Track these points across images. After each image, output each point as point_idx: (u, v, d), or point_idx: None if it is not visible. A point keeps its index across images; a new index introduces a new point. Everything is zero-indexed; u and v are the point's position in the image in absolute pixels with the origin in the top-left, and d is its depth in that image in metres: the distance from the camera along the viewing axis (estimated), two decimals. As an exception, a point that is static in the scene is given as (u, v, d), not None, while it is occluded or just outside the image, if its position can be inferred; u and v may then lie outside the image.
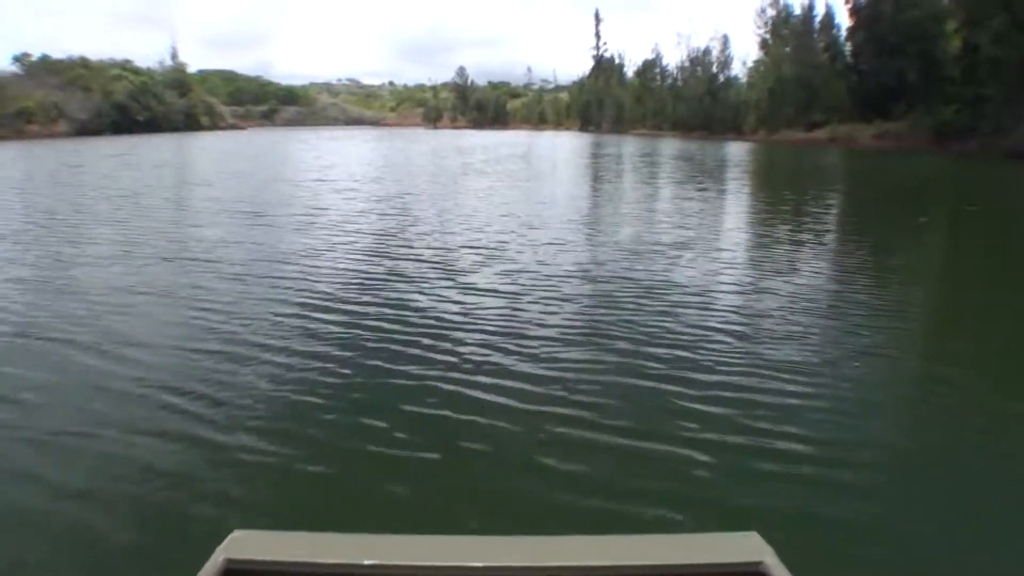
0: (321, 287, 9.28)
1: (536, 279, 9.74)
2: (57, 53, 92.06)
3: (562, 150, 52.78)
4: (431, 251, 11.72)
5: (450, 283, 9.51)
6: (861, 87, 62.90)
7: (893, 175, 32.37)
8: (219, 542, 1.40)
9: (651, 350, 6.62)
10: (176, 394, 5.58)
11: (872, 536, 3.75)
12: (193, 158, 41.80)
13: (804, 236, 14.03)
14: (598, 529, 1.70)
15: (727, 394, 5.53)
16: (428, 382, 5.83)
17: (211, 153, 46.83)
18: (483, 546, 1.44)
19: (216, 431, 4.95)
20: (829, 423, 5.09)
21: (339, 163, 35.71)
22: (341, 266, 10.70)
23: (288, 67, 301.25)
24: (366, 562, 1.35)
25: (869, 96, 61.34)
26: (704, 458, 4.51)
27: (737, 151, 51.91)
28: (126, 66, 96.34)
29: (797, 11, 73.06)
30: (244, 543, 1.41)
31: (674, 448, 4.66)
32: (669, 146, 58.18)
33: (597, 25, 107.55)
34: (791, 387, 5.69)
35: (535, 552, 1.41)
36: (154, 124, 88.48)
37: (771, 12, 75.16)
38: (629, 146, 56.84)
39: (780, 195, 21.74)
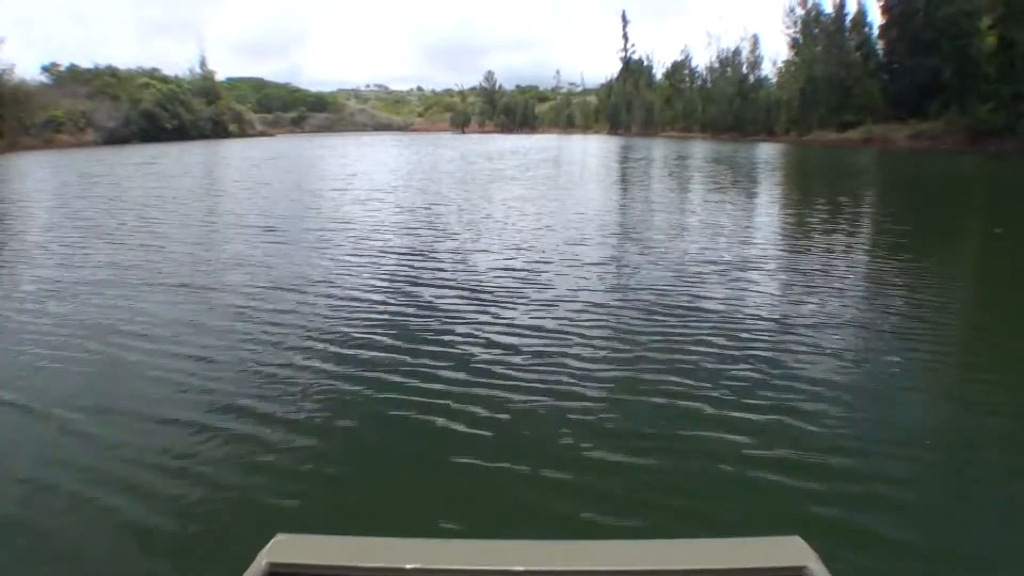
0: (340, 318, 8.45)
1: (580, 309, 8.70)
2: (86, 62, 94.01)
3: (593, 154, 52.14)
4: (461, 274, 10.80)
5: (483, 314, 8.54)
6: (894, 86, 61.98)
7: (941, 178, 31.53)
8: (262, 546, 1.43)
9: (715, 393, 6.00)
10: (214, 407, 5.79)
11: (915, 545, 3.83)
12: (217, 167, 41.15)
13: (876, 253, 12.76)
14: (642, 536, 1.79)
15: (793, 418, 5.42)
16: (462, 417, 5.59)
17: (236, 161, 46.20)
18: (522, 550, 1.45)
19: (256, 442, 5.13)
20: (879, 439, 5.11)
21: (365, 171, 34.98)
22: (362, 294, 9.69)
23: (317, 73, 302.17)
24: (408, 566, 1.36)
25: (903, 95, 60.40)
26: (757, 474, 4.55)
27: (772, 153, 51.18)
28: (154, 74, 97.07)
29: (827, 10, 72.37)
30: (287, 546, 1.44)
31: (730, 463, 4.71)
32: (701, 148, 57.72)
33: (624, 27, 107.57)
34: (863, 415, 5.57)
35: (575, 556, 1.43)
36: (182, 132, 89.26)
37: (800, 11, 74.56)
38: (661, 149, 56.38)
39: (832, 202, 20.80)
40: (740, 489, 4.37)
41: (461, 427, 5.29)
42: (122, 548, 3.89)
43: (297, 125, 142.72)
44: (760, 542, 1.48)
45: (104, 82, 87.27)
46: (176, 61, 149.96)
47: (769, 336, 7.55)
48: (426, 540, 1.48)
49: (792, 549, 1.40)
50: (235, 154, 55.91)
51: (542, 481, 4.48)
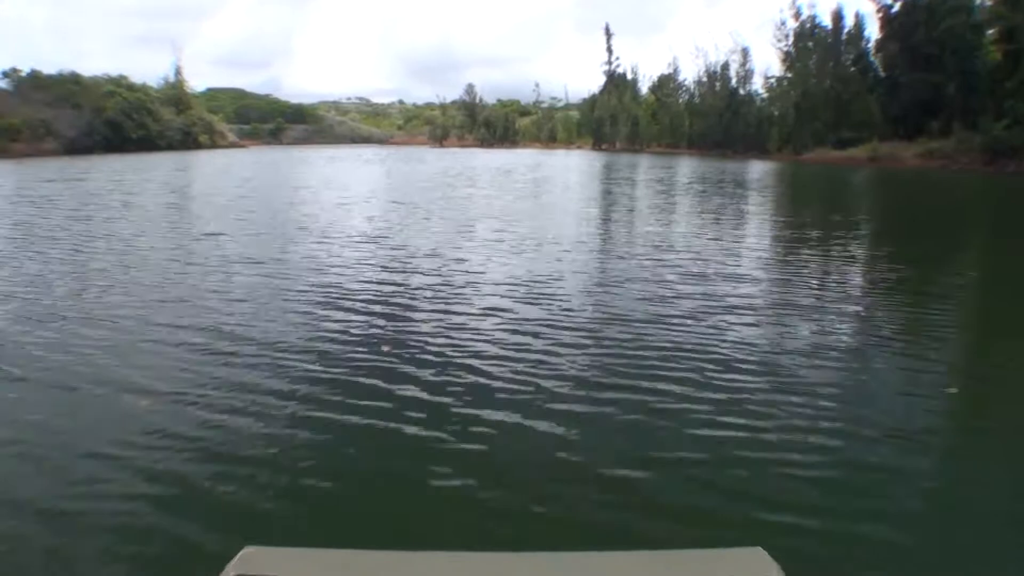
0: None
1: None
2: (49, 68, 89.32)
3: (587, 173, 45.59)
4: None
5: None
6: (894, 102, 59.76)
7: (980, 205, 28.37)
8: (230, 559, 1.37)
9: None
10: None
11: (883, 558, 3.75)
12: (152, 185, 32.56)
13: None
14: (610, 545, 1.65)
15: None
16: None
17: (180, 177, 39.45)
18: (493, 563, 1.46)
19: (224, 451, 4.99)
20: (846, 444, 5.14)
21: (318, 199, 26.25)
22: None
23: (299, 86, 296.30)
24: None
25: (904, 111, 58.20)
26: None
27: (772, 172, 46.81)
28: (120, 82, 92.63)
29: (822, 21, 70.23)
30: (255, 559, 1.38)
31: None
32: (696, 167, 52.16)
33: (608, 40, 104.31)
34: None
35: (544, 569, 1.44)
36: (148, 142, 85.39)
37: (793, 24, 72.31)
38: (651, 168, 50.73)
39: (897, 243, 16.73)
40: (717, 502, 4.31)
41: (437, 440, 5.17)
42: (82, 561, 3.76)
43: (275, 137, 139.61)
44: (722, 553, 1.46)
45: (67, 89, 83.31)
46: (155, 73, 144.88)
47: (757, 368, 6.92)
48: (400, 552, 1.43)
49: (754, 560, 1.39)
50: (189, 167, 50.28)
51: (517, 494, 4.41)
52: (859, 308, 9.84)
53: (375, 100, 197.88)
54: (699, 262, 12.89)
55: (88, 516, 4.17)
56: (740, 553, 1.40)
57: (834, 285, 11.63)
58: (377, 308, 9.23)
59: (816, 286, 11.28)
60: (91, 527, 4.06)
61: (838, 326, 8.83)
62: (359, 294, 10.05)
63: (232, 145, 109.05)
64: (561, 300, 9.71)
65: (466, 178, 37.06)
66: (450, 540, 3.82)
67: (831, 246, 15.57)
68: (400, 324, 8.51)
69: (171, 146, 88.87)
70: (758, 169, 50.04)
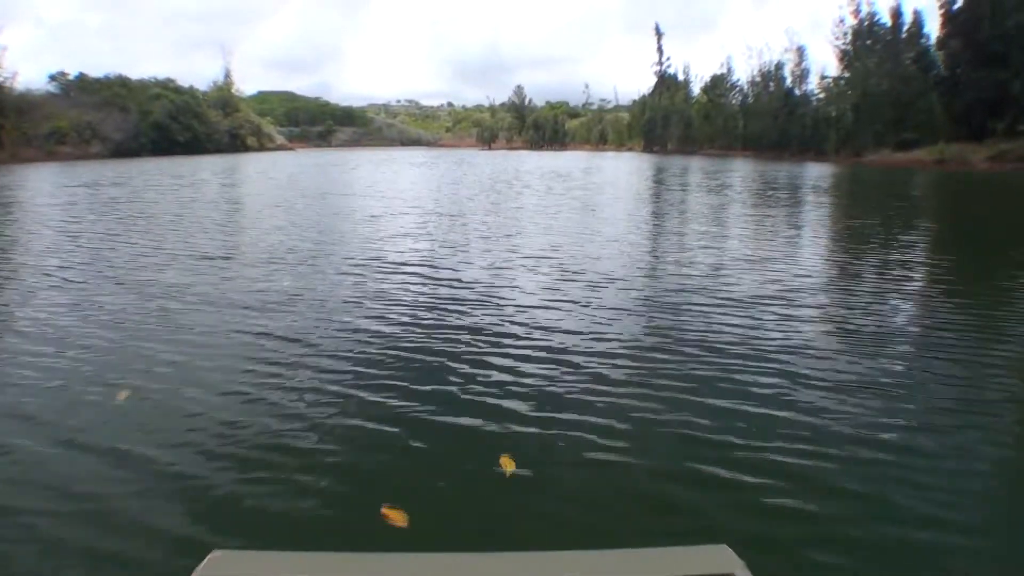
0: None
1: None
2: (96, 71, 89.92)
3: (641, 179, 41.84)
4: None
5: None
6: (958, 101, 58.09)
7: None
8: (197, 563, 1.34)
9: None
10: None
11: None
12: (171, 194, 28.92)
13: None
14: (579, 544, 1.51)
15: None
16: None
17: (204, 186, 34.84)
18: (461, 564, 1.44)
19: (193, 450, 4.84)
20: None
21: (354, 209, 23.10)
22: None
23: (348, 88, 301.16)
24: None
25: (967, 111, 56.59)
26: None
27: (843, 176, 44.18)
28: (167, 85, 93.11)
29: (881, 19, 68.63)
30: (224, 563, 1.36)
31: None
32: (757, 170, 49.09)
33: (659, 40, 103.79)
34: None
35: (509, 568, 1.43)
36: (196, 144, 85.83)
37: (852, 21, 70.80)
38: (712, 172, 47.33)
39: None
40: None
41: (409, 436, 4.95)
42: (44, 566, 3.60)
43: (324, 139, 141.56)
44: (687, 551, 1.47)
45: (114, 92, 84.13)
46: (207, 76, 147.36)
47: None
48: (371, 554, 1.42)
49: (719, 557, 1.40)
50: (224, 171, 48.32)
51: (503, 496, 4.19)
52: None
53: (424, 102, 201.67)
54: (842, 311, 8.92)
55: (41, 516, 3.99)
56: (705, 550, 1.42)
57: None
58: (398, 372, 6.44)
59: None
60: (46, 529, 3.89)
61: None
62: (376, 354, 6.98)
63: (280, 147, 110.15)
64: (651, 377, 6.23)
65: (521, 184, 35.59)
66: (420, 541, 3.69)
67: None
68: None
69: (219, 149, 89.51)
70: (824, 172, 48.07)
